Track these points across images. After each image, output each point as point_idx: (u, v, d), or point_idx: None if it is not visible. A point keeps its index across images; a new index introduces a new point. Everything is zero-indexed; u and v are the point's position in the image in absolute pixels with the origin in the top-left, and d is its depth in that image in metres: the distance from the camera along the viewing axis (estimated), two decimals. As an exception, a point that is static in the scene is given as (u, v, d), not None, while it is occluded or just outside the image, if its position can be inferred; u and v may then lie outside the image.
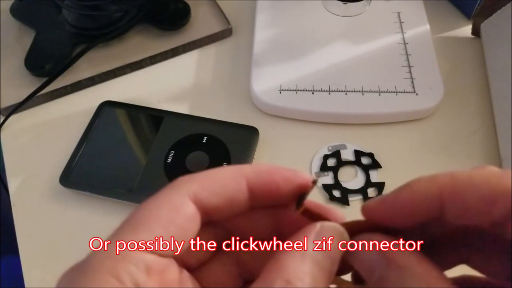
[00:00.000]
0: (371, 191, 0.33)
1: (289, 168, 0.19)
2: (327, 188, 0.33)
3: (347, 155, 0.35)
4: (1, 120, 0.37)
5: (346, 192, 0.33)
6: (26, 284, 0.30)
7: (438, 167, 0.34)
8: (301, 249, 0.16)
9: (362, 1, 0.39)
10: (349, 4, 0.39)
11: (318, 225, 0.17)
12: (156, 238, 0.16)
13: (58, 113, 0.38)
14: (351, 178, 0.34)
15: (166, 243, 0.16)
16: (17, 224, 0.32)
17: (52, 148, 0.36)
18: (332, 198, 0.32)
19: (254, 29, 0.41)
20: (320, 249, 0.17)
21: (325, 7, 0.41)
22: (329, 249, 0.17)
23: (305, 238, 0.17)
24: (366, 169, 0.34)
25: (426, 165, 0.34)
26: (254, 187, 0.18)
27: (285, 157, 0.35)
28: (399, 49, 0.39)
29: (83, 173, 0.33)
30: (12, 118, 0.38)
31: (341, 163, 0.34)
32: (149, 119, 0.36)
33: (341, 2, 0.39)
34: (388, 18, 0.41)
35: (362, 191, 0.33)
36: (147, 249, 0.16)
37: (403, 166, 0.34)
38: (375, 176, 0.34)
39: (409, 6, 0.42)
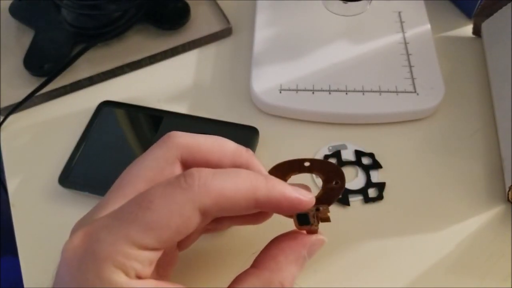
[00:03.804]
0: (371, 192, 0.33)
1: (298, 191, 0.21)
2: (328, 188, 0.33)
3: (348, 155, 0.35)
4: (0, 120, 0.37)
5: (346, 192, 0.32)
6: (25, 285, 0.30)
7: (438, 167, 0.34)
8: (297, 256, 0.21)
9: (363, 1, 0.39)
10: (349, 3, 0.39)
11: (314, 237, 0.22)
12: (162, 242, 0.19)
13: (57, 113, 0.38)
14: (352, 178, 0.34)
15: (168, 244, 0.19)
16: (16, 225, 0.32)
17: (51, 148, 0.36)
18: (333, 199, 0.32)
19: (254, 29, 0.41)
20: (309, 255, 0.22)
21: (325, 6, 0.41)
22: (314, 254, 0.22)
23: (302, 247, 0.22)
24: (366, 169, 0.34)
25: (427, 165, 0.34)
26: (261, 207, 0.20)
27: (285, 157, 0.35)
28: (400, 49, 0.39)
29: (82, 174, 0.33)
30: (11, 118, 0.37)
31: (341, 163, 0.34)
32: (149, 119, 0.36)
33: (341, 2, 0.39)
34: (388, 18, 0.41)
35: (363, 191, 0.33)
36: (152, 250, 0.18)
37: (404, 166, 0.34)
38: (375, 176, 0.33)
39: (410, 6, 0.42)
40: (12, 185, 0.34)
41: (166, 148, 0.22)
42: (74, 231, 0.20)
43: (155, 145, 0.22)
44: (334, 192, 0.23)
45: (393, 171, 0.34)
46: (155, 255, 0.19)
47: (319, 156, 0.35)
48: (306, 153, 0.35)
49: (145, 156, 0.22)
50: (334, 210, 0.32)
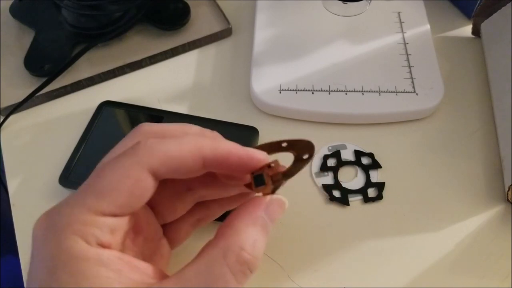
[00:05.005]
0: (371, 191, 0.33)
1: (246, 149, 0.22)
2: (327, 188, 0.33)
3: (347, 155, 0.35)
4: (1, 120, 0.37)
5: (346, 192, 0.33)
6: (25, 285, 0.30)
7: (438, 167, 0.34)
8: (253, 218, 0.21)
9: (362, 1, 0.39)
10: (349, 4, 0.39)
11: (268, 198, 0.22)
12: (118, 206, 0.19)
13: (57, 113, 0.38)
14: (351, 178, 0.34)
15: (126, 208, 0.19)
16: (17, 224, 0.32)
17: (52, 148, 0.36)
18: (332, 198, 0.32)
19: (254, 29, 0.41)
20: (269, 217, 0.21)
21: (325, 7, 0.41)
22: (275, 216, 0.22)
23: (257, 208, 0.21)
24: (366, 169, 0.34)
25: (427, 165, 0.34)
26: (209, 165, 0.21)
27: (285, 157, 0.35)
28: (399, 49, 0.39)
29: (83, 173, 0.33)
30: (12, 118, 0.38)
31: (341, 163, 0.34)
32: (149, 119, 0.36)
33: (341, 2, 0.39)
34: (388, 18, 0.41)
35: (362, 191, 0.33)
36: (110, 215, 0.19)
37: (403, 166, 0.34)
38: (375, 176, 0.33)
39: (410, 6, 0.42)
40: (12, 185, 0.34)
41: (133, 136, 0.23)
42: None
43: (126, 136, 0.23)
44: (301, 164, 0.23)
45: (393, 171, 0.34)
46: (115, 222, 0.19)
47: (319, 156, 0.35)
48: (306, 153, 0.35)
49: (115, 146, 0.23)
50: (334, 210, 0.32)
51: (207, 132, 0.24)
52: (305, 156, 0.23)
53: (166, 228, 0.25)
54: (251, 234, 0.20)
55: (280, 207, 0.22)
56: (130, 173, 0.19)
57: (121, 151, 0.21)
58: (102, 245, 0.19)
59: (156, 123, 0.24)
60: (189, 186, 0.24)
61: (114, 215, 0.19)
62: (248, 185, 0.24)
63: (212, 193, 0.25)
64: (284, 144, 0.23)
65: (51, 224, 0.19)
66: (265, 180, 0.22)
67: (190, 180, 0.24)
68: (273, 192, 0.23)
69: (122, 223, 0.20)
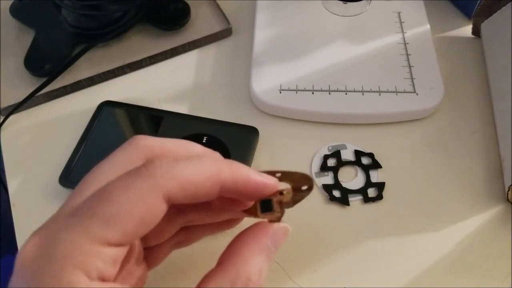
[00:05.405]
0: (371, 191, 0.33)
1: (261, 175, 0.21)
2: (327, 188, 0.33)
3: (347, 155, 0.35)
4: (1, 120, 0.37)
5: (346, 192, 0.33)
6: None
7: (438, 167, 0.34)
8: (261, 246, 0.20)
9: (362, 1, 0.39)
10: (349, 3, 0.39)
11: (275, 225, 0.21)
12: (126, 235, 0.17)
13: (57, 113, 0.38)
14: (351, 178, 0.34)
15: (133, 237, 0.18)
16: (17, 224, 0.32)
17: (52, 148, 0.36)
18: (332, 198, 0.32)
19: (254, 29, 0.41)
20: (274, 245, 0.21)
21: (325, 7, 0.41)
22: (279, 244, 0.21)
23: (264, 235, 0.21)
24: (366, 169, 0.34)
25: (427, 165, 0.34)
26: (226, 191, 0.20)
27: (285, 157, 0.35)
28: (399, 49, 0.39)
29: (83, 173, 0.33)
30: (12, 118, 0.38)
31: (341, 163, 0.34)
32: (149, 119, 0.36)
33: (341, 2, 0.39)
34: (388, 18, 0.41)
35: (362, 191, 0.33)
36: (115, 245, 0.17)
37: (404, 166, 0.34)
38: (375, 176, 0.33)
39: (410, 6, 0.42)
40: (12, 185, 0.34)
41: (130, 150, 0.21)
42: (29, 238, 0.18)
43: (119, 148, 0.21)
44: (303, 194, 0.23)
45: (393, 171, 0.34)
46: (119, 252, 0.17)
47: (319, 156, 0.35)
48: (306, 153, 0.35)
49: (108, 159, 0.21)
50: (334, 210, 0.32)
51: (209, 151, 0.23)
52: (304, 187, 0.22)
53: (146, 251, 0.23)
54: (258, 263, 0.20)
55: (285, 235, 0.22)
56: (146, 198, 0.17)
57: (118, 166, 0.19)
58: (103, 279, 0.17)
59: (152, 136, 0.22)
60: (181, 208, 0.23)
61: (120, 244, 0.17)
62: (247, 211, 0.23)
63: (203, 217, 0.24)
64: (278, 175, 0.23)
65: (47, 254, 0.16)
66: (273, 206, 0.22)
67: (185, 203, 0.22)
68: (278, 219, 0.22)
69: (123, 253, 0.18)
